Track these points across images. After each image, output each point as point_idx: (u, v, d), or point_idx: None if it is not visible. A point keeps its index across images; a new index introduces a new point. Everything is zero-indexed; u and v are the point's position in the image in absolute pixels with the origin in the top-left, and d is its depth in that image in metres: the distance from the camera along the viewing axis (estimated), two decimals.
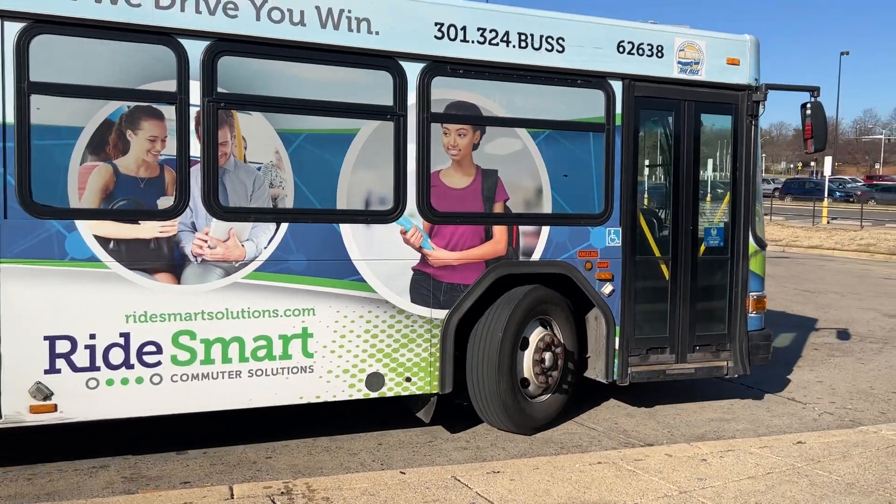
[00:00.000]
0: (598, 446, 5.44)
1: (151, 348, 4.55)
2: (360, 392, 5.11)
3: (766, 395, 7.04)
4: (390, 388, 5.18)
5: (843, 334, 10.23)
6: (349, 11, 4.87)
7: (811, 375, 7.88)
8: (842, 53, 59.86)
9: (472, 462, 4.97)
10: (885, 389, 7.34)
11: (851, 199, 45.77)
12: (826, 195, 33.58)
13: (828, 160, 31.74)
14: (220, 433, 5.47)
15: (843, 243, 24.26)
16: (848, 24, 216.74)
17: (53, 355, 4.36)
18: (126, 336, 4.50)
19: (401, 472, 4.53)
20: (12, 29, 4.19)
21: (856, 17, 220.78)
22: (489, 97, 5.38)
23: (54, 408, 4.38)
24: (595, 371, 5.95)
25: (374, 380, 5.13)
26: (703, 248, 6.21)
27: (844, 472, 4.64)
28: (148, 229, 4.53)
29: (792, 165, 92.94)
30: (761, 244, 6.40)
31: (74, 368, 4.40)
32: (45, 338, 4.33)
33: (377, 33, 4.97)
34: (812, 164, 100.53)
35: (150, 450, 5.10)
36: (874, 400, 6.95)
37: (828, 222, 30.84)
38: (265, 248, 4.79)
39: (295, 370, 4.91)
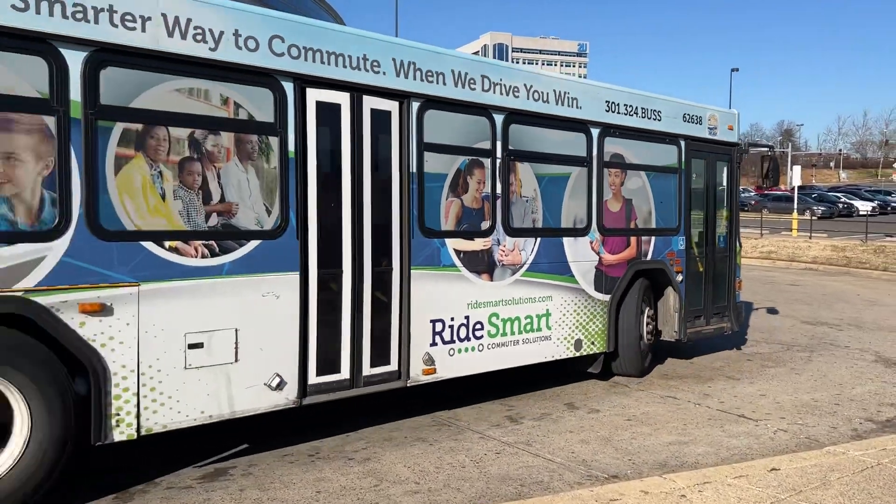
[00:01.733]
0: (561, 481, 4.97)
1: (479, 326, 6.51)
2: (571, 352, 7.39)
3: (717, 411, 6.80)
4: (585, 350, 7.53)
5: (760, 344, 10.29)
6: (568, 93, 7.20)
7: (752, 388, 7.73)
8: (732, 70, 63.17)
9: None
10: (828, 401, 7.25)
11: (746, 208, 47.97)
12: None
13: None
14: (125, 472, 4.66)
15: (746, 250, 25.07)
16: (736, 42, 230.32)
17: (434, 333, 6.17)
18: (467, 318, 6.42)
19: None
20: (416, 104, 5.98)
21: (743, 36, 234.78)
22: (628, 150, 7.92)
23: (434, 370, 6.17)
24: (668, 334, 8.62)
25: (578, 344, 7.44)
26: (716, 247, 9.24)
27: (830, 503, 4.34)
28: (478, 244, 6.49)
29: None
30: (740, 244, 9.74)
31: (443, 342, 6.24)
32: (430, 321, 6.13)
33: (581, 108, 7.35)
34: None
35: None
36: (821, 413, 6.83)
37: None
38: (530, 255, 6.91)
39: (542, 339, 7.09)
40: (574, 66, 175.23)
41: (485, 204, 6.51)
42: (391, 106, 5.85)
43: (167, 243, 4.64)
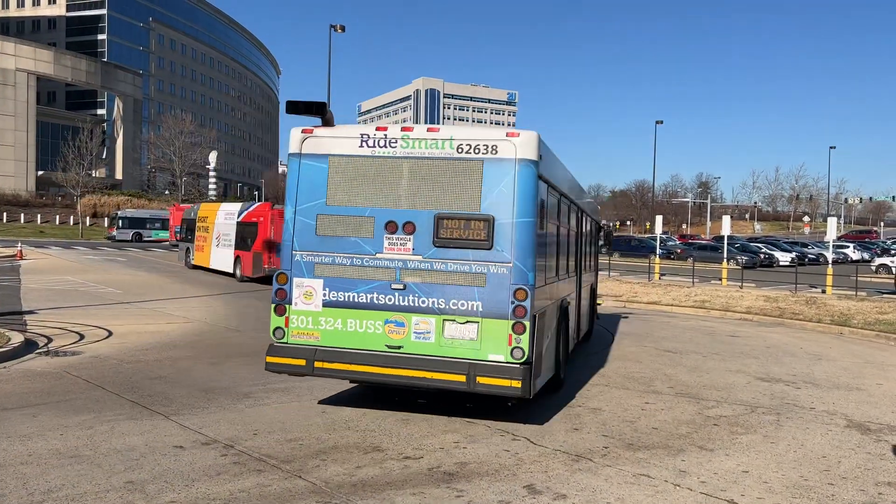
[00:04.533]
0: None
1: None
2: (587, 328, 14.90)
3: (702, 495, 5.79)
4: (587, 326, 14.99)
5: (721, 405, 9.45)
6: (594, 207, 17.15)
7: (731, 463, 6.78)
8: (656, 122, 65.08)
9: None
10: (819, 480, 6.36)
11: (672, 256, 48.63)
12: (658, 252, 34.96)
13: (659, 219, 33.06)
14: None
15: (679, 299, 24.77)
16: (659, 94, 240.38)
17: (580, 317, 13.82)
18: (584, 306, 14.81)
19: None
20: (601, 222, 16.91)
21: (665, 90, 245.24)
22: (594, 230, 16.31)
23: (590, 335, 15.59)
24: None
25: (590, 320, 15.54)
26: (597, 279, 17.73)
27: None
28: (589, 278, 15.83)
29: (611, 223, 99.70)
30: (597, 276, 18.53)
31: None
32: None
33: (592, 214, 15.80)
34: (628, 222, 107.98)
35: None
36: (818, 497, 5.90)
37: (660, 278, 31.95)
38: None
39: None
40: (504, 115, 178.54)
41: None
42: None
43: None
